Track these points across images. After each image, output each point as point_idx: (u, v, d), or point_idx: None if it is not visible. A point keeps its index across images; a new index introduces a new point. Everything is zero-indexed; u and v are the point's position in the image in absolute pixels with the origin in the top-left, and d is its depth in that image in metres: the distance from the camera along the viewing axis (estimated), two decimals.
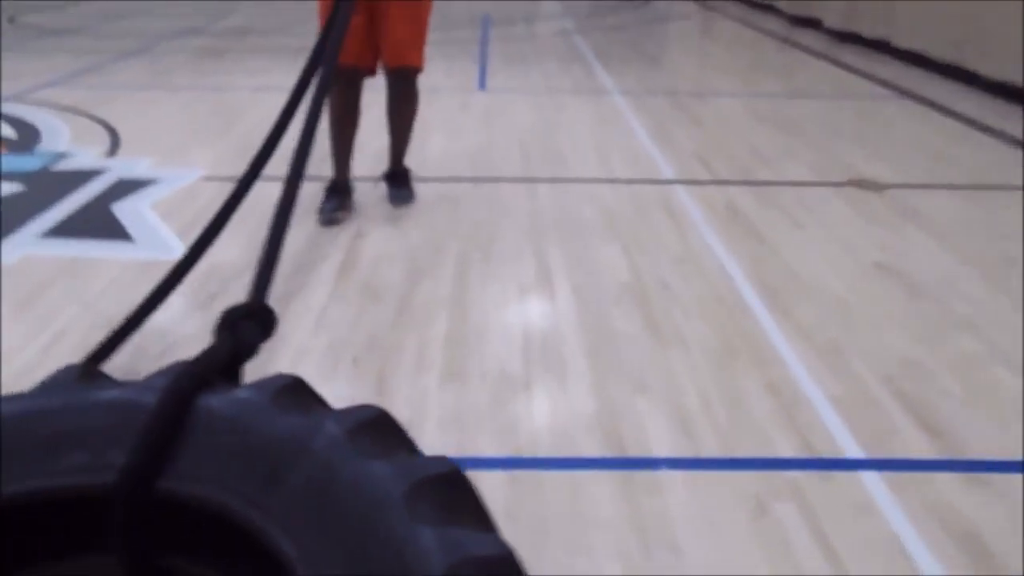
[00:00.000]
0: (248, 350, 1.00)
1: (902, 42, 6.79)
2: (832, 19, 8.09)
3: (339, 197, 3.21)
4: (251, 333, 1.02)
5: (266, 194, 1.21)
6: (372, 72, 3.15)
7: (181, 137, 4.34)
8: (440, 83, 5.61)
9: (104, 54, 6.62)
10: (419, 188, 3.48)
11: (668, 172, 3.85)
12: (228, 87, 5.61)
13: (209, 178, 3.58)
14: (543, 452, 1.87)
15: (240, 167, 1.23)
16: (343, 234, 3.04)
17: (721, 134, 4.59)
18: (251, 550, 0.86)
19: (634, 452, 1.86)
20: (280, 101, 1.27)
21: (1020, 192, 3.60)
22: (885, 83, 5.92)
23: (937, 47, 6.19)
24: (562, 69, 6.42)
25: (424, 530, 0.74)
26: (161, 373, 0.95)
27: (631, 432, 1.92)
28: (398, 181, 3.41)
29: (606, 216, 3.26)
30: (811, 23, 8.65)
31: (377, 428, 0.87)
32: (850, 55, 7.02)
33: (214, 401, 0.89)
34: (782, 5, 9.46)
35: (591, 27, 8.84)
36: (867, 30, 7.41)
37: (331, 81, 1.31)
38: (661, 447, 1.87)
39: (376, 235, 3.05)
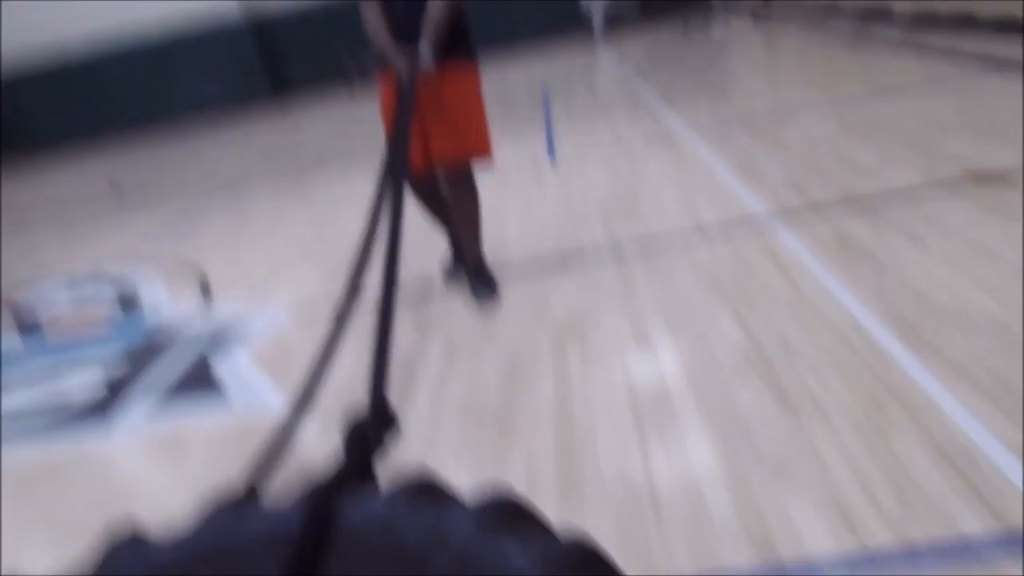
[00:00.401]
0: (379, 454, 1.07)
1: (986, 11, 6.31)
2: (903, 5, 7.66)
3: (456, 265, 3.53)
4: (379, 442, 1.09)
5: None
6: (432, 175, 3.20)
7: (269, 273, 4.39)
8: (508, 159, 5.54)
9: (188, 200, 6.92)
10: (502, 273, 3.35)
11: (759, 207, 3.58)
12: (311, 217, 5.71)
13: (300, 311, 3.56)
14: (685, 568, 1.62)
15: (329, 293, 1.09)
16: (434, 348, 2.91)
17: (810, 153, 4.28)
18: None
19: (790, 557, 1.59)
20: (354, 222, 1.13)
21: None
22: (976, 57, 5.47)
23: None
24: (629, 119, 6.26)
25: None
26: (301, 494, 1.01)
27: (781, 531, 1.65)
28: (481, 277, 3.35)
29: (703, 272, 3.02)
30: (881, 14, 8.22)
31: (510, 514, 0.92)
32: (931, 38, 6.59)
33: (353, 510, 0.96)
34: (846, 2, 9.06)
35: (650, 69, 8.69)
36: (944, 8, 6.95)
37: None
38: (821, 546, 1.60)
39: (466, 344, 2.90)
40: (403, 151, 1.92)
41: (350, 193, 5.79)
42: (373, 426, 1.09)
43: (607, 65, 10.34)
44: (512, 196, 4.58)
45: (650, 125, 5.86)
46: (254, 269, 4.49)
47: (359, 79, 14.58)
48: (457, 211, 3.28)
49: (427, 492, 0.98)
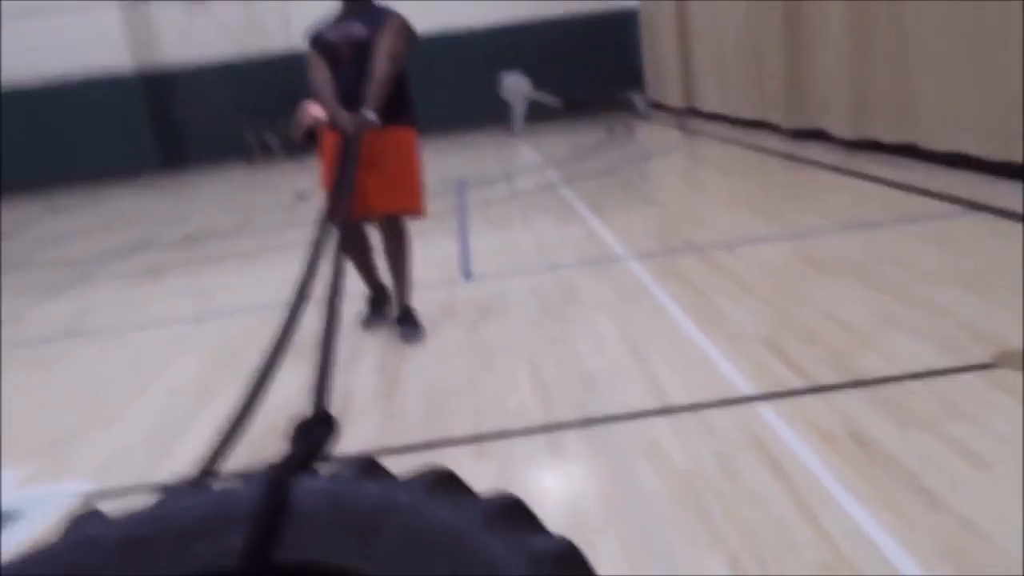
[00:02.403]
0: (321, 452, 1.25)
1: (933, 143, 5.92)
2: (840, 127, 7.30)
3: (379, 306, 3.90)
4: (321, 438, 1.28)
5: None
6: (366, 220, 3.60)
7: (67, 429, 3.26)
8: (416, 276, 4.65)
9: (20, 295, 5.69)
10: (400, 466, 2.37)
11: (739, 380, 2.76)
12: (147, 326, 4.60)
13: (97, 495, 2.48)
14: None
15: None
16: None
17: (782, 302, 3.54)
18: None
19: None
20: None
21: None
22: (943, 196, 4.97)
23: (982, 144, 5.29)
24: (558, 233, 5.48)
25: (501, 535, 1.00)
26: (254, 473, 1.18)
27: None
28: (407, 320, 3.65)
29: (676, 483, 2.14)
30: (816, 135, 7.88)
31: (448, 483, 1.13)
32: (875, 167, 6.14)
33: (306, 484, 1.13)
34: (776, 119, 8.73)
35: (576, 175, 8.03)
36: (885, 134, 6.58)
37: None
38: None
39: None
40: (346, 200, 2.66)
41: (223, 284, 4.77)
42: (316, 423, 1.27)
43: (530, 166, 9.69)
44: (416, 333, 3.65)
45: (583, 243, 5.08)
46: (58, 420, 3.36)
47: (258, 150, 13.55)
48: (390, 258, 3.62)
49: (368, 471, 1.19)
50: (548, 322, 3.66)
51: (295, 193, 9.18)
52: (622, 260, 4.54)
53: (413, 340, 3.55)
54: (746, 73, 9.46)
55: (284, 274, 5.19)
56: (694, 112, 12.05)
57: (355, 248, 3.66)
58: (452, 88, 13.70)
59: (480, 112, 13.81)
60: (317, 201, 8.77)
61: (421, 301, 3.93)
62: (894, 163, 6.12)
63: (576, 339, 3.38)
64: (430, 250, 5.09)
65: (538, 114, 13.40)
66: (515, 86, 13.16)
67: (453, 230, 5.92)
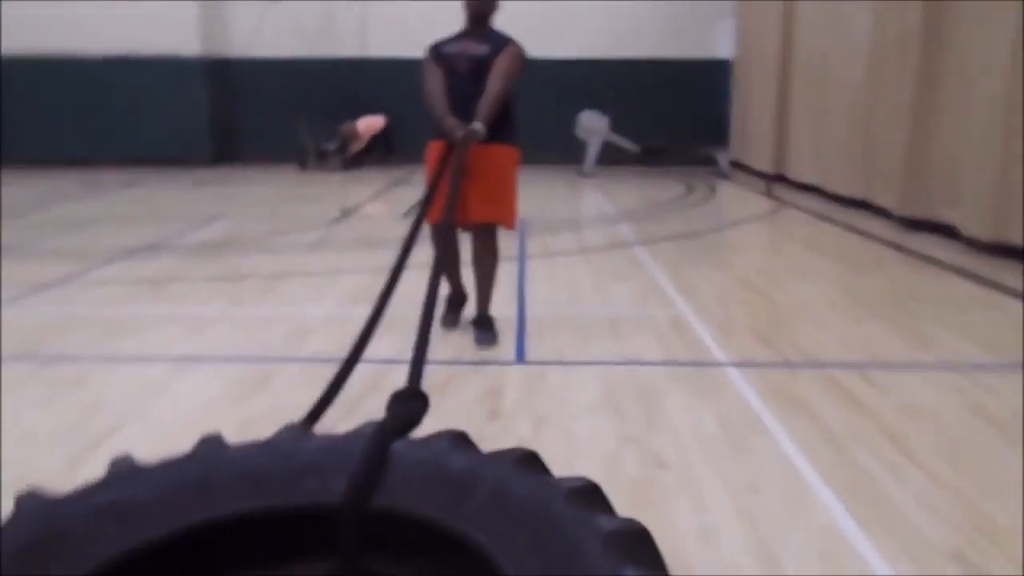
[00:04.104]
0: (418, 421, 1.59)
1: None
2: (972, 225, 6.20)
3: (456, 307, 4.11)
4: (417, 409, 1.62)
5: None
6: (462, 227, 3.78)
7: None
8: (456, 347, 3.70)
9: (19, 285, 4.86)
10: None
11: None
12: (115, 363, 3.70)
13: None
14: None
15: None
16: None
17: (970, 490, 2.48)
18: (445, 552, 1.31)
19: None
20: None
21: None
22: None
23: None
24: (636, 311, 4.49)
25: (579, 511, 1.25)
26: (360, 429, 1.52)
27: None
28: (483, 326, 3.85)
29: None
30: (934, 228, 6.79)
31: (531, 461, 1.37)
32: (1013, 275, 5.06)
33: (405, 446, 1.43)
34: (886, 202, 7.63)
35: (654, 236, 7.04)
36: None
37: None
38: None
39: None
40: (452, 206, 3.14)
41: (223, 315, 3.85)
42: (411, 396, 1.62)
43: (599, 212, 8.74)
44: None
45: (668, 330, 4.09)
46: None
47: (314, 156, 12.82)
48: (478, 265, 3.84)
49: (459, 443, 1.45)
50: (626, 453, 2.66)
51: (341, 208, 8.35)
52: (722, 368, 3.53)
53: (487, 345, 3.76)
54: (853, 145, 8.41)
55: (292, 320, 4.10)
56: (782, 179, 11.01)
57: (447, 249, 3.75)
58: (527, 118, 12.84)
59: (552, 148, 12.89)
60: (360, 221, 8.03)
61: (458, 380, 2.98)
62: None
63: (666, 496, 2.37)
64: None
65: (612, 158, 12.47)
66: (592, 124, 12.26)
67: (508, 285, 4.97)
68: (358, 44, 13.43)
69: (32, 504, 1.36)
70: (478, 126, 3.46)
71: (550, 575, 1.18)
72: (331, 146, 12.90)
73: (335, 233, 7.16)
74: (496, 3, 3.75)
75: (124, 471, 1.49)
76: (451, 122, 3.50)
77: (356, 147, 12.82)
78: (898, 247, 6.63)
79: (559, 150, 12.68)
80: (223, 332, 4.06)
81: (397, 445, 1.45)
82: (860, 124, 8.22)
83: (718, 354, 3.71)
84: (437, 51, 3.71)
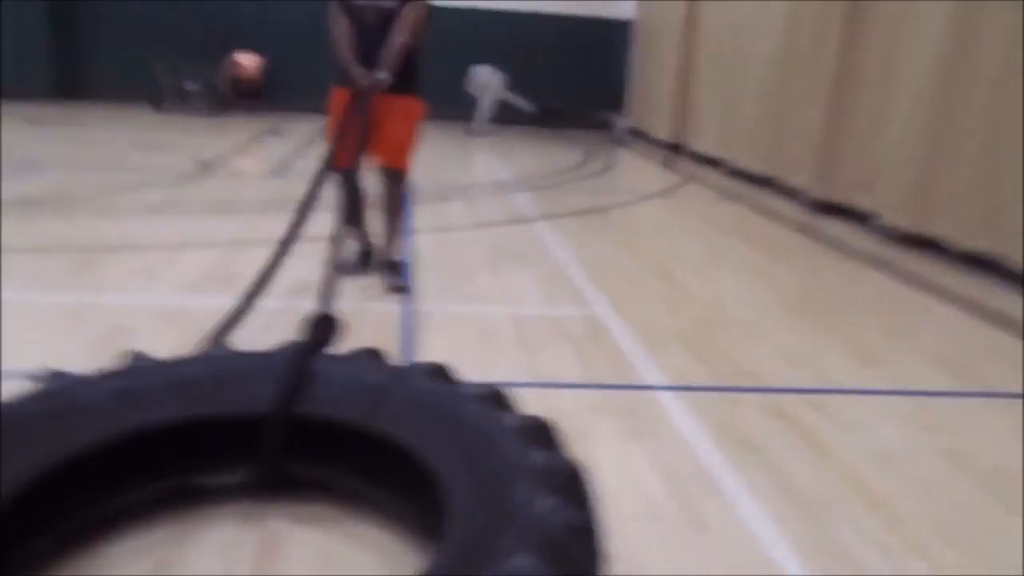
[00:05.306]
0: (332, 339, 1.83)
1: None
2: (892, 214, 5.85)
3: (363, 258, 4.07)
4: (331, 329, 1.84)
5: None
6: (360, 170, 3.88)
7: None
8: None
9: None
10: None
11: None
12: None
13: None
14: None
15: None
16: None
17: (967, 561, 1.95)
18: (367, 455, 1.60)
19: None
20: None
21: None
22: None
23: None
24: (545, 310, 3.79)
25: (487, 409, 1.62)
26: (280, 347, 1.84)
27: None
28: (393, 269, 3.93)
29: None
30: (846, 213, 6.44)
31: (442, 372, 1.73)
32: (938, 273, 4.71)
33: (324, 360, 1.72)
34: (797, 182, 7.25)
35: (557, 211, 6.36)
36: (959, 236, 5.15)
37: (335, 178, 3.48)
38: None
39: None
40: (354, 147, 3.50)
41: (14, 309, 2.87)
42: (323, 320, 1.83)
43: (495, 177, 8.00)
44: None
45: (585, 337, 3.42)
46: None
47: (172, 96, 11.40)
48: (386, 209, 3.94)
49: (374, 357, 1.76)
50: None
51: (198, 160, 7.23)
52: (655, 392, 2.90)
53: (399, 286, 3.83)
54: (762, 120, 7.99)
55: (107, 315, 3.13)
56: (681, 149, 10.57)
57: (354, 193, 3.84)
58: None
59: (441, 102, 11.95)
60: (218, 179, 6.92)
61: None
62: (973, 277, 4.66)
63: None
64: (363, 311, 3.29)
65: (505, 117, 11.70)
66: (485, 80, 11.42)
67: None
68: None
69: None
70: (383, 75, 3.59)
71: (468, 464, 1.44)
72: (193, 86, 11.50)
73: (186, 193, 6.09)
74: None
75: (61, 381, 1.74)
76: (358, 71, 3.60)
77: (247, 85, 11.52)
78: (810, 231, 6.26)
79: (449, 105, 11.76)
80: (5, 333, 3.08)
81: (317, 360, 1.68)
82: (771, 98, 7.78)
83: (647, 372, 3.07)
84: (345, 0, 3.75)
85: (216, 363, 1.79)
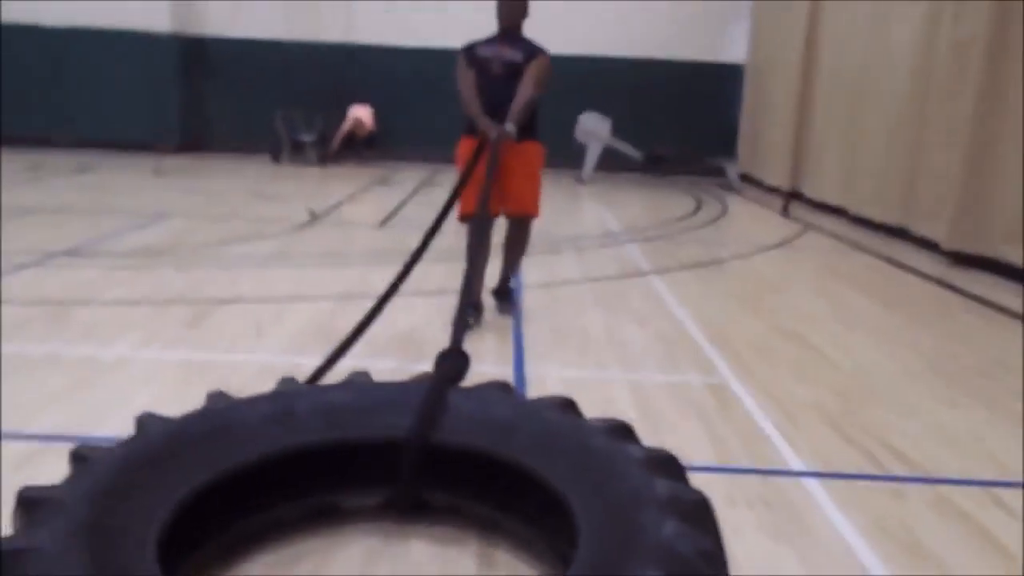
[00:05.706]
0: (463, 373, 2.04)
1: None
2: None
3: (473, 312, 3.98)
4: (462, 364, 2.04)
5: None
6: (495, 216, 3.94)
7: None
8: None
9: None
10: None
11: None
12: None
13: None
14: None
15: None
16: None
17: None
18: (496, 483, 1.70)
19: None
20: None
21: None
22: None
23: None
24: (666, 381, 3.50)
25: (614, 442, 1.69)
26: (416, 379, 2.05)
27: None
28: (503, 296, 4.27)
29: None
30: (991, 266, 5.88)
31: (569, 406, 1.82)
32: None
33: (457, 393, 1.86)
34: (931, 232, 6.70)
35: (670, 263, 6.07)
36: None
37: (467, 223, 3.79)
38: None
39: None
40: (486, 200, 3.28)
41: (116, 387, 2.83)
42: (454, 354, 2.02)
43: (603, 227, 7.77)
44: None
45: (715, 414, 3.12)
46: None
47: (288, 148, 11.75)
48: (510, 243, 4.23)
49: (505, 389, 1.91)
50: None
51: (310, 210, 7.33)
52: (798, 479, 2.57)
53: (509, 312, 4.16)
54: (891, 164, 7.48)
55: (213, 372, 3.00)
56: (798, 196, 10.08)
57: (481, 239, 3.78)
58: None
59: (549, 150, 11.89)
60: (330, 228, 6.97)
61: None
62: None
63: None
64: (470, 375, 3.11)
65: (613, 164, 11.50)
66: (593, 127, 11.27)
67: (503, 333, 3.99)
68: (343, 29, 12.37)
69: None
70: (510, 127, 3.67)
71: (596, 493, 1.48)
72: (308, 137, 11.84)
73: (299, 243, 6.14)
74: (527, 10, 3.96)
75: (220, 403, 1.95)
76: (486, 122, 3.70)
77: (362, 137, 11.80)
78: (949, 286, 5.73)
79: (555, 153, 11.66)
80: (110, 390, 3.03)
81: (451, 392, 1.86)
82: (901, 141, 7.28)
83: (788, 454, 2.75)
84: (471, 53, 3.91)
85: (360, 392, 1.94)
